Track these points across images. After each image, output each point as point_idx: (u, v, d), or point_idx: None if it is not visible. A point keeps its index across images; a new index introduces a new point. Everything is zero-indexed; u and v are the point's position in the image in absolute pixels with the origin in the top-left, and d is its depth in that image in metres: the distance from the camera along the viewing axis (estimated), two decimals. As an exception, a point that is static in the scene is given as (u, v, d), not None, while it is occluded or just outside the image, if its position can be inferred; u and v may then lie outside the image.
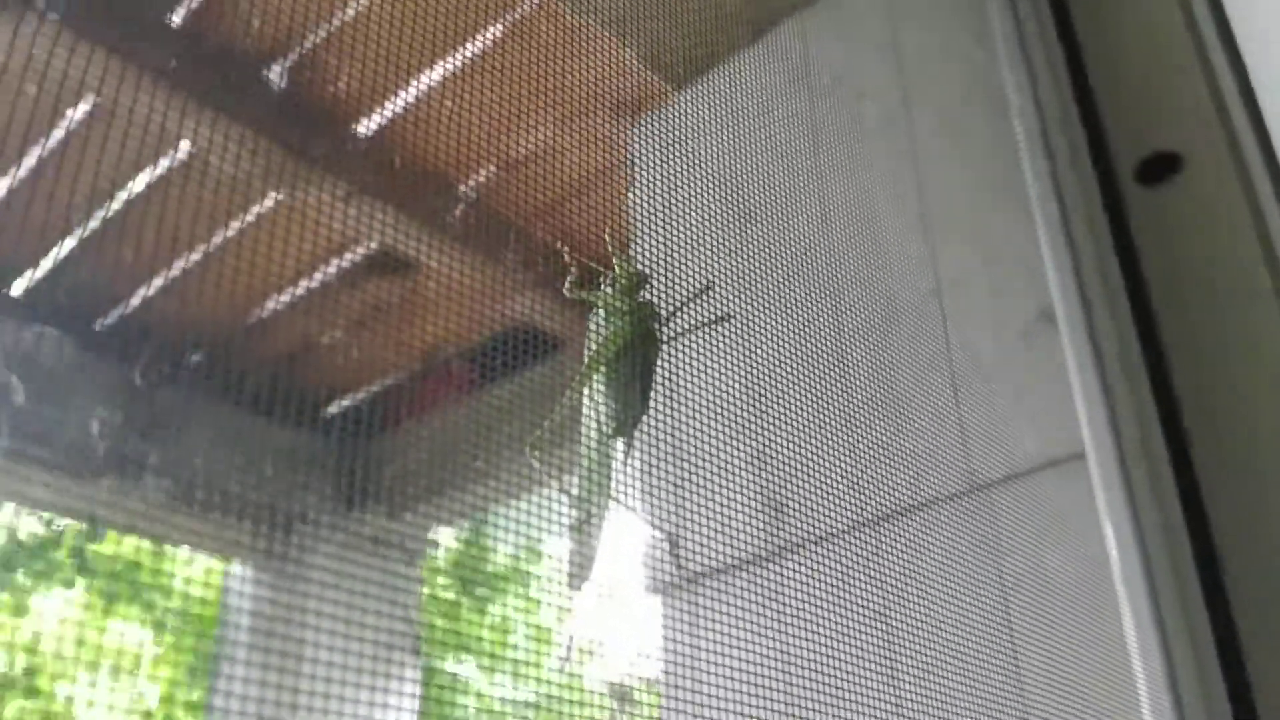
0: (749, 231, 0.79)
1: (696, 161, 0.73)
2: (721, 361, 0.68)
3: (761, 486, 0.68)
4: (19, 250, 0.55)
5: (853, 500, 0.75)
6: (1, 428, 0.47)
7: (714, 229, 0.73)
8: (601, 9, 0.73)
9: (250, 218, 0.55)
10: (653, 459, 0.63)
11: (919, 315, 0.99)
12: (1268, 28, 0.88)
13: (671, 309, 0.67)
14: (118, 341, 0.57)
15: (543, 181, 0.65)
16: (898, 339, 0.95)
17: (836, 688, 0.65)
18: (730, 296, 0.71)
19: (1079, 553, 0.92)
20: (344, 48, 0.67)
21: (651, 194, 0.69)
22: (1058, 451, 0.93)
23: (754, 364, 0.71)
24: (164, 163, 0.54)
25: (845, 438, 0.79)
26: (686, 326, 0.67)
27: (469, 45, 0.63)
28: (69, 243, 0.53)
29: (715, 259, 0.72)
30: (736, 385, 0.69)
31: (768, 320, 0.74)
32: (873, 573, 0.75)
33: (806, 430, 0.73)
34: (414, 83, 0.60)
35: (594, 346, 0.66)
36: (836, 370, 0.81)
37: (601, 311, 0.66)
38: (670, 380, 0.66)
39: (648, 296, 0.67)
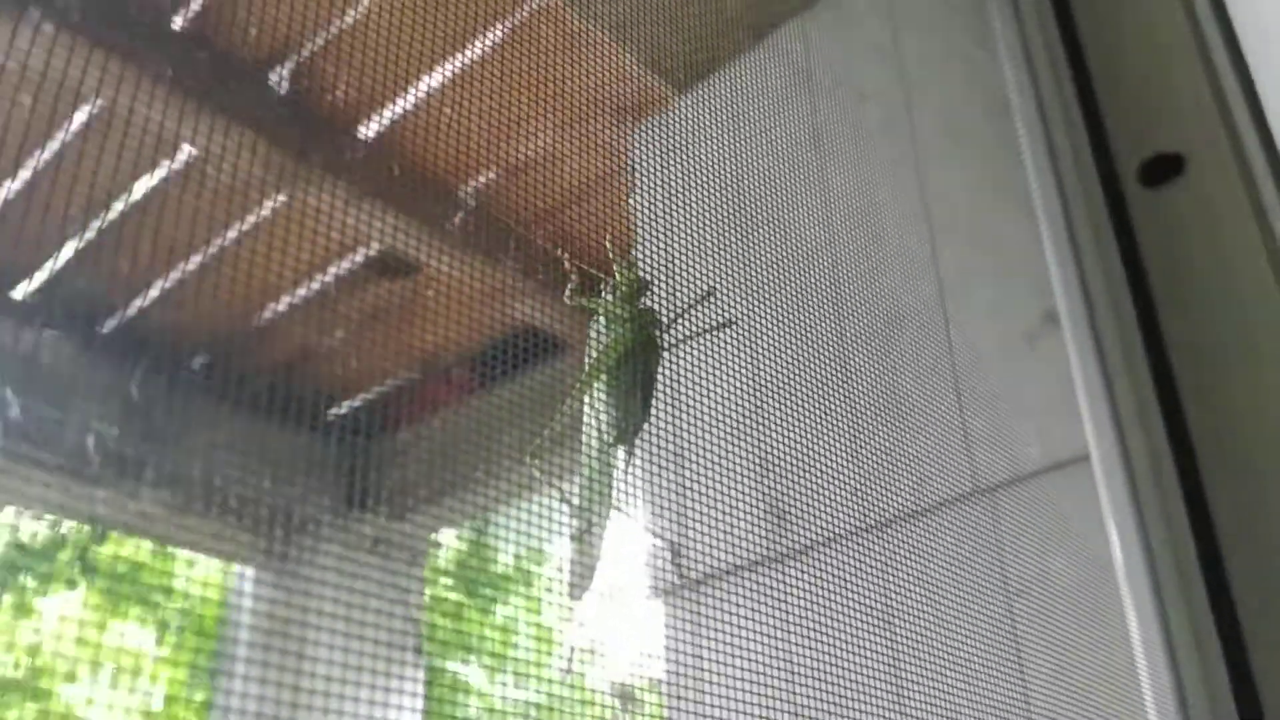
0: (751, 236, 0.79)
1: (698, 166, 0.73)
2: (724, 367, 0.68)
3: (765, 492, 0.68)
4: (23, 253, 0.56)
5: (856, 504, 0.75)
6: (4, 430, 0.47)
7: (715, 234, 0.73)
8: (602, 13, 0.73)
9: (252, 222, 0.55)
10: (655, 465, 0.63)
11: (922, 318, 0.99)
12: (1270, 28, 0.88)
13: (673, 315, 0.67)
14: (121, 344, 0.58)
15: (544, 186, 0.65)
16: (901, 342, 0.95)
17: (840, 692, 0.65)
18: (732, 301, 0.71)
19: (1083, 555, 0.92)
20: (346, 52, 0.67)
21: (653, 199, 0.69)
22: (1062, 454, 0.93)
23: (756, 369, 0.71)
24: (166, 167, 0.54)
25: (848, 442, 0.79)
26: (688, 333, 0.67)
27: (470, 50, 0.64)
28: (72, 245, 0.53)
29: (717, 264, 0.72)
30: (739, 390, 0.69)
31: (770, 325, 0.75)
32: (876, 577, 0.75)
33: (809, 435, 0.73)
34: (415, 87, 0.60)
35: (595, 354, 0.66)
36: (839, 374, 0.81)
37: (602, 319, 0.66)
38: (672, 386, 0.66)
39: (649, 303, 0.67)
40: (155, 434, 0.49)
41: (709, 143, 0.76)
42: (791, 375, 0.74)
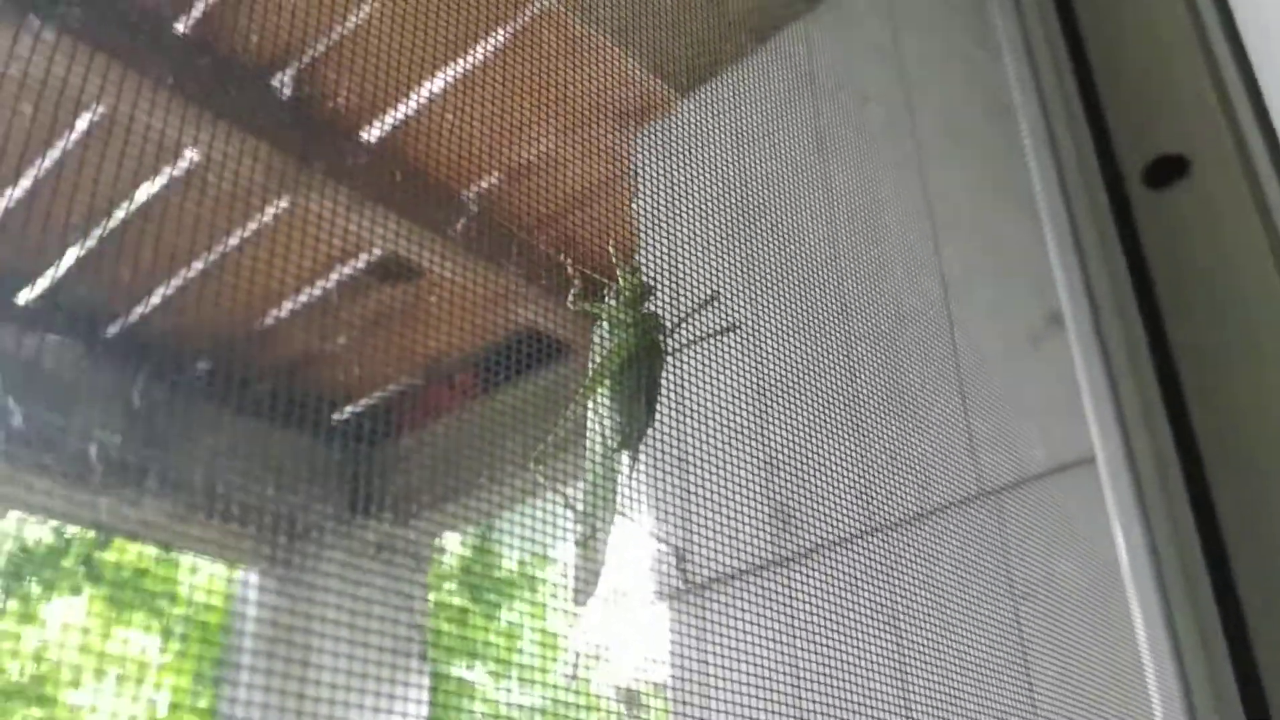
0: (754, 239, 0.79)
1: (701, 169, 0.73)
2: (728, 371, 0.68)
3: (769, 495, 0.68)
4: (25, 259, 0.56)
5: (861, 507, 0.75)
6: (6, 436, 0.47)
7: (719, 237, 0.73)
8: (604, 18, 0.73)
9: (255, 227, 0.55)
10: (660, 469, 0.63)
11: (926, 320, 0.99)
12: (1274, 28, 0.88)
13: (677, 320, 0.67)
14: (124, 349, 0.58)
15: (547, 191, 0.65)
16: (905, 344, 0.95)
17: (846, 696, 0.65)
18: (736, 305, 0.70)
19: (1089, 557, 0.92)
20: (348, 58, 0.67)
21: (656, 203, 0.69)
22: (1067, 456, 0.93)
23: (760, 372, 0.71)
24: (168, 172, 0.54)
25: (853, 444, 0.78)
26: (692, 337, 0.67)
27: (472, 55, 0.63)
28: (75, 252, 0.53)
29: (720, 268, 0.72)
30: (743, 394, 0.69)
31: (773, 328, 0.74)
32: (882, 580, 0.75)
33: (814, 438, 0.73)
34: (418, 92, 0.60)
35: (598, 359, 0.65)
36: (844, 377, 0.81)
37: (606, 324, 0.66)
38: (676, 391, 0.65)
39: (652, 308, 0.66)
40: (158, 440, 0.49)
41: (712, 146, 0.76)
42: (796, 378, 0.74)
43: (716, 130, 0.77)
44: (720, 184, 0.75)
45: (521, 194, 0.64)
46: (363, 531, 0.55)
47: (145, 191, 0.52)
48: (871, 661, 0.68)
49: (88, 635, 0.44)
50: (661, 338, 0.66)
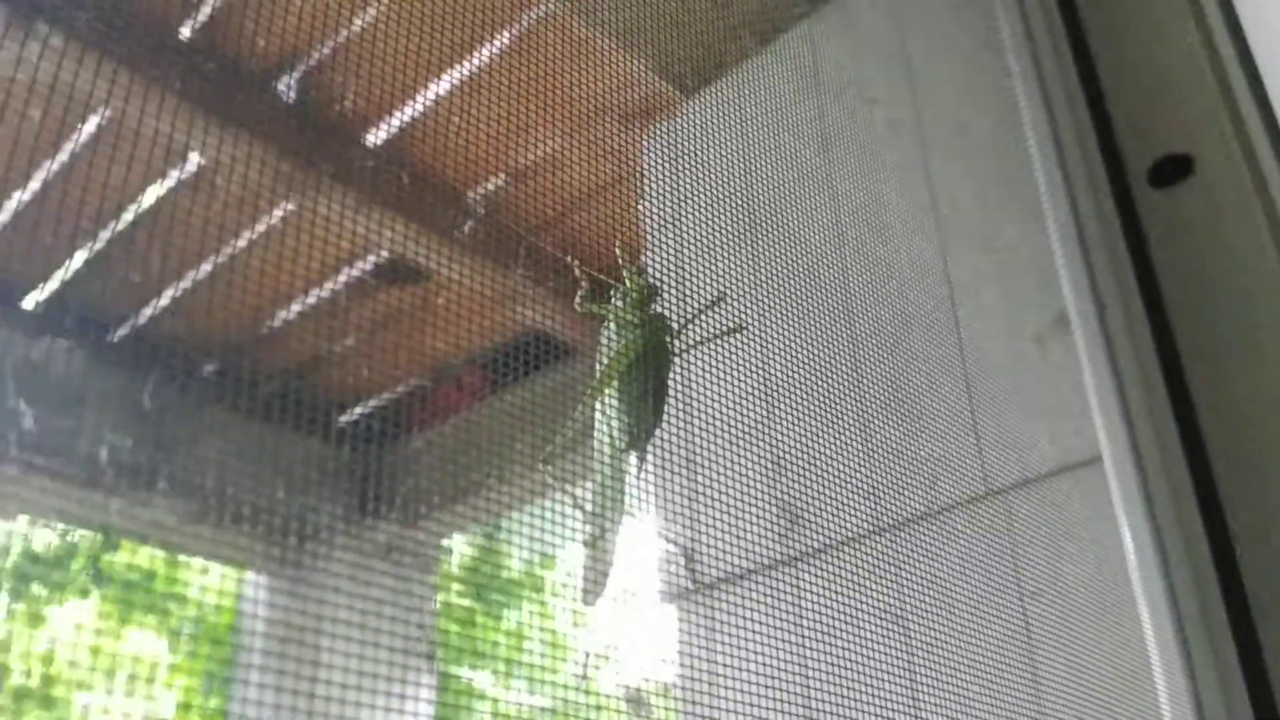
0: (760, 240, 0.79)
1: (707, 170, 0.73)
2: (735, 371, 0.68)
3: (777, 495, 0.68)
4: (32, 264, 0.56)
5: (869, 506, 0.75)
6: (15, 440, 0.47)
7: (726, 238, 0.73)
8: (609, 19, 0.73)
9: (261, 230, 0.55)
10: (668, 469, 0.63)
11: (932, 320, 0.99)
12: (1278, 27, 0.88)
13: (684, 320, 0.67)
14: (131, 353, 0.58)
15: (553, 193, 0.65)
16: (911, 344, 0.95)
17: (855, 696, 0.65)
18: (743, 306, 0.71)
19: (1096, 556, 0.91)
20: (353, 61, 0.67)
21: (662, 203, 0.69)
22: (1074, 455, 0.93)
23: (767, 373, 0.71)
24: (175, 176, 0.54)
25: (860, 444, 0.78)
26: (699, 338, 0.67)
27: (477, 57, 0.64)
28: (81, 255, 0.53)
29: (727, 268, 0.72)
30: (751, 394, 0.69)
31: (780, 329, 0.74)
32: (890, 579, 0.75)
33: (821, 437, 0.73)
34: (423, 94, 0.61)
35: (606, 361, 0.65)
36: (850, 377, 0.81)
37: (613, 325, 0.66)
38: (684, 391, 0.65)
39: (659, 309, 0.66)
40: (167, 442, 0.49)
41: (718, 147, 0.76)
42: (803, 378, 0.74)
43: (722, 131, 0.77)
44: (726, 185, 0.75)
45: (527, 196, 0.64)
46: (371, 533, 0.55)
47: (152, 196, 0.52)
48: (879, 661, 0.68)
49: (96, 638, 0.44)
50: (669, 338, 0.66)
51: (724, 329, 0.68)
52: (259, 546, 0.50)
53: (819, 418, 0.74)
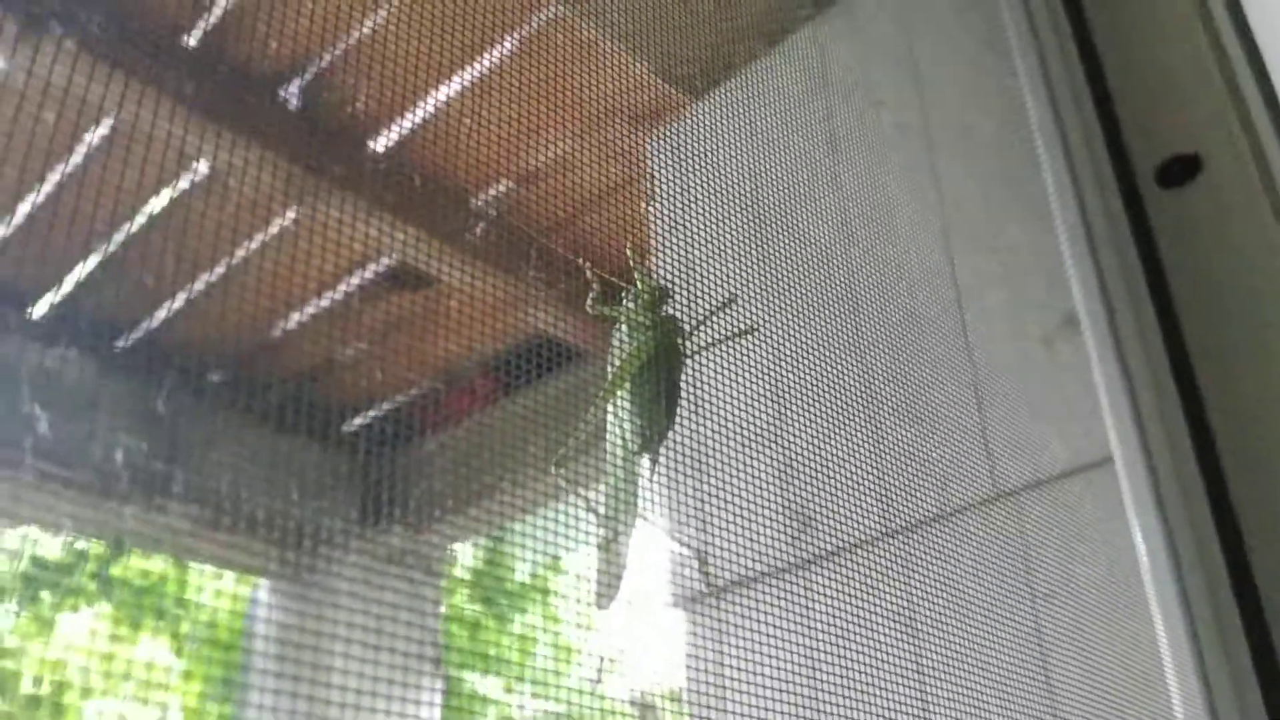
0: (769, 241, 0.79)
1: (716, 172, 0.73)
2: (746, 374, 0.68)
3: (788, 498, 0.68)
4: (41, 272, 0.56)
5: (879, 509, 0.75)
6: (24, 449, 0.47)
7: (734, 240, 0.73)
8: (617, 22, 0.73)
9: (269, 236, 0.55)
10: (679, 472, 0.63)
11: (940, 321, 0.99)
12: (1286, 26, 0.87)
13: (695, 322, 0.67)
14: (140, 361, 0.58)
15: (561, 195, 0.65)
16: (919, 346, 0.95)
17: (866, 699, 0.65)
18: (752, 308, 0.70)
19: (1108, 558, 0.91)
20: (361, 66, 0.67)
21: (671, 205, 0.69)
22: (1084, 457, 0.93)
23: (778, 375, 0.71)
24: (182, 183, 0.54)
25: (870, 447, 0.78)
26: (711, 340, 0.67)
27: (484, 61, 0.64)
28: (90, 263, 0.53)
29: (736, 270, 0.72)
30: (761, 397, 0.69)
31: (790, 330, 0.74)
32: (901, 582, 0.75)
33: (831, 440, 0.73)
34: (431, 99, 0.61)
35: (617, 363, 0.65)
36: (860, 379, 0.80)
37: (624, 327, 0.66)
38: (695, 393, 0.65)
39: (670, 311, 0.66)
40: (174, 450, 0.49)
41: (726, 148, 0.76)
42: (812, 381, 0.74)
43: (730, 133, 0.77)
44: (735, 187, 0.75)
45: (537, 198, 0.64)
46: (378, 540, 0.55)
47: (160, 201, 0.52)
48: (890, 665, 0.68)
49: (106, 645, 0.44)
50: (680, 340, 0.65)
51: (735, 331, 0.68)
52: (270, 552, 0.50)
53: (829, 420, 0.74)
